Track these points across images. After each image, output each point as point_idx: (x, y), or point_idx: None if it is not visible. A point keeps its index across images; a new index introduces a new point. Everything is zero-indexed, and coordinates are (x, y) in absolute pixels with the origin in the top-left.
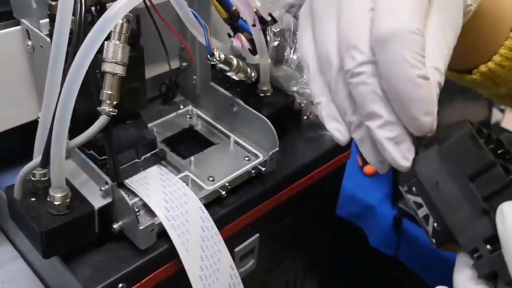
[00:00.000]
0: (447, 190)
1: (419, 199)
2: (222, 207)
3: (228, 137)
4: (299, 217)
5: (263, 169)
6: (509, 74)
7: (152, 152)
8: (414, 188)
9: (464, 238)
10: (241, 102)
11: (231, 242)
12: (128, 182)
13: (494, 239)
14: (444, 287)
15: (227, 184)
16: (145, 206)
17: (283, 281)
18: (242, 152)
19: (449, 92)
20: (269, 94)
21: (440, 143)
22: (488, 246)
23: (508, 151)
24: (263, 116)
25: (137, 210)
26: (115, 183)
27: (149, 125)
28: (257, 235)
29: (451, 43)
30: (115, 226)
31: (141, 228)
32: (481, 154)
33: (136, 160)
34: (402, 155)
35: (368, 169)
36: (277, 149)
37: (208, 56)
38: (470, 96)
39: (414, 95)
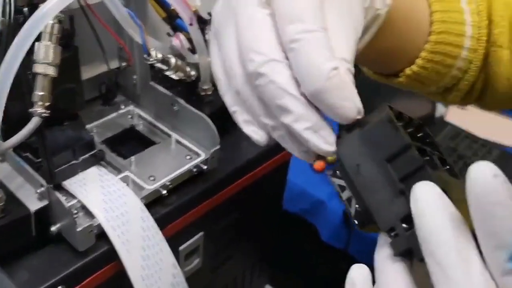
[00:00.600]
0: (367, 172)
1: (343, 182)
2: (164, 206)
3: (170, 136)
4: (245, 214)
5: (205, 167)
6: (433, 74)
7: (90, 153)
8: (338, 172)
9: (382, 218)
10: (182, 101)
11: (175, 241)
12: (66, 183)
13: (409, 218)
14: (360, 265)
15: (168, 183)
16: (84, 207)
17: (231, 278)
18: (183, 150)
19: (390, 89)
20: (210, 93)
21: (361, 127)
22: (404, 225)
23: (429, 135)
24: (203, 115)
25: (75, 212)
26: (51, 185)
27: (89, 126)
28: (202, 233)
29: (352, 34)
30: (53, 228)
31: (78, 229)
32: (397, 136)
33: (74, 161)
34: (324, 141)
35: (317, 165)
36: (218, 147)
37: (145, 55)
38: (412, 92)
39: (328, 87)
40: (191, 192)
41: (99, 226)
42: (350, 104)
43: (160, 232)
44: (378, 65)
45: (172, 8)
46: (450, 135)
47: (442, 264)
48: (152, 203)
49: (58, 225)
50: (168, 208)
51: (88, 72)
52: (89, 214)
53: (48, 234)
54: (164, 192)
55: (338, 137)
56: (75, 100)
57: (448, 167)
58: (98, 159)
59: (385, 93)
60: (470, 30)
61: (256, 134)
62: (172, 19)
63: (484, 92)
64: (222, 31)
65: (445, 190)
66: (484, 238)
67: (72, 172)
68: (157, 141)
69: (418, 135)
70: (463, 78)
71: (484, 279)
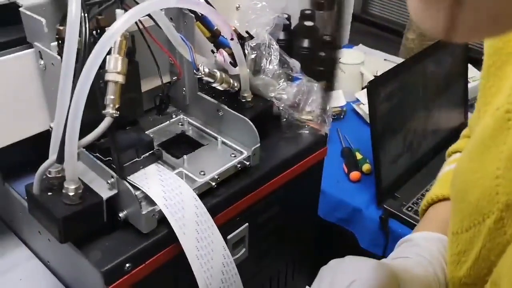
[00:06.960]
0: None
1: None
2: (214, 197)
3: (216, 138)
4: (284, 208)
5: (248, 163)
6: None
7: (150, 151)
8: None
9: None
10: (225, 107)
11: (223, 230)
12: (130, 178)
13: None
14: None
15: (216, 177)
16: (146, 197)
17: (274, 271)
18: (228, 150)
19: (426, 101)
20: (249, 100)
21: None
22: None
23: None
24: (244, 117)
25: (139, 201)
26: (120, 177)
27: (146, 132)
28: (246, 224)
29: None
30: (121, 214)
31: (143, 213)
32: None
33: (136, 159)
34: None
35: (353, 175)
36: (259, 145)
37: (194, 71)
38: (445, 104)
39: None
40: (237, 185)
41: (160, 212)
42: None
43: (211, 218)
44: None
45: (215, 28)
46: None
47: None
48: (204, 194)
49: (125, 212)
50: (217, 199)
51: (144, 85)
52: (151, 203)
53: (116, 221)
54: (214, 184)
55: None
56: (136, 107)
57: None
58: (156, 157)
59: (421, 105)
60: None
61: None
62: (215, 37)
63: None
64: None
65: None
66: None
67: (135, 168)
68: (205, 143)
69: None
70: None
71: None
